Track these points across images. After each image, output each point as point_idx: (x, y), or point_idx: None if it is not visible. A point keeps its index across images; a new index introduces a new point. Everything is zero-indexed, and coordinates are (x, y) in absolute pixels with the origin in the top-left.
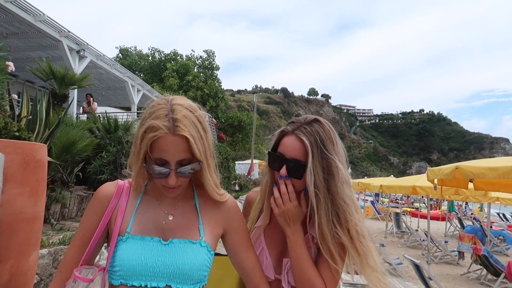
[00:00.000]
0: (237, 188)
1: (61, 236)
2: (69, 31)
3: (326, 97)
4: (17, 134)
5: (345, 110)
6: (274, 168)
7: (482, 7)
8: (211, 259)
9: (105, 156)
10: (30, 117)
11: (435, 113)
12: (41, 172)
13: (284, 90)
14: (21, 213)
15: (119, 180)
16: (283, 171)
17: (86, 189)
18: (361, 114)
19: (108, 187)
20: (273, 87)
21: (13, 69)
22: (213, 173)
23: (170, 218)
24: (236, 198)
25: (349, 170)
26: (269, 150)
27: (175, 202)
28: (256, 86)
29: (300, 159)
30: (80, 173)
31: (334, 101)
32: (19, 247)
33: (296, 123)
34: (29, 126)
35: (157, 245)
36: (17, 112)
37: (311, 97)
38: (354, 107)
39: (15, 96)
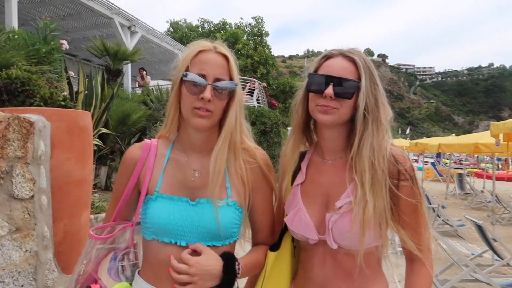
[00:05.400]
0: None
1: None
2: (119, 8)
3: (383, 57)
4: (62, 103)
5: (403, 70)
6: (316, 90)
7: None
8: (240, 216)
9: (159, 127)
10: (87, 92)
11: (507, 66)
12: (86, 138)
13: None
14: (69, 177)
15: (146, 140)
16: (329, 90)
17: None
18: (421, 73)
19: (134, 150)
20: (325, 50)
21: (67, 47)
22: (242, 119)
23: (197, 175)
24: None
25: (408, 131)
26: (310, 73)
27: (203, 157)
28: (308, 51)
29: (351, 78)
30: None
31: (391, 61)
32: (70, 208)
33: (339, 49)
34: (86, 101)
35: (185, 205)
36: (75, 89)
37: None
38: (414, 65)
39: (71, 73)
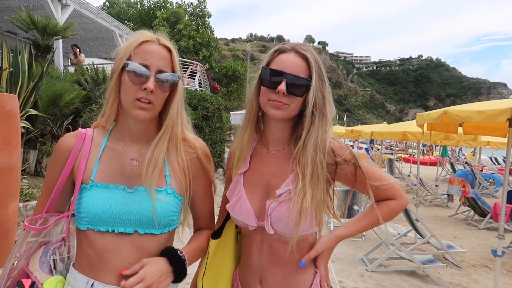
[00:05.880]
0: (232, 138)
1: None
2: None
3: (323, 44)
4: None
5: (342, 58)
6: (269, 85)
7: None
8: (179, 204)
9: (94, 108)
10: (12, 69)
11: (434, 58)
12: (13, 123)
13: (279, 38)
14: None
15: (80, 129)
16: (282, 86)
17: None
18: (358, 62)
19: (68, 138)
20: (268, 35)
21: None
22: (183, 111)
23: (135, 164)
24: (230, 148)
25: (346, 118)
26: (263, 66)
27: (141, 147)
28: (251, 34)
29: (302, 76)
30: (70, 126)
31: (331, 49)
32: None
33: (291, 43)
34: (12, 79)
35: (122, 193)
36: None
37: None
38: (352, 54)
39: None
